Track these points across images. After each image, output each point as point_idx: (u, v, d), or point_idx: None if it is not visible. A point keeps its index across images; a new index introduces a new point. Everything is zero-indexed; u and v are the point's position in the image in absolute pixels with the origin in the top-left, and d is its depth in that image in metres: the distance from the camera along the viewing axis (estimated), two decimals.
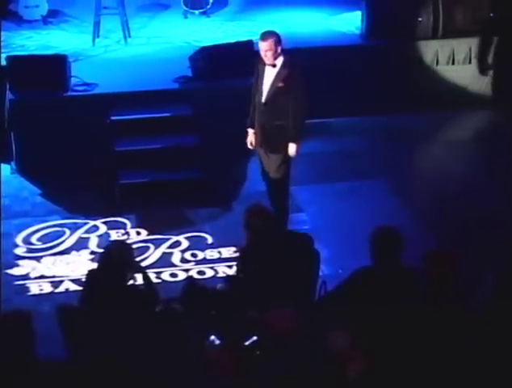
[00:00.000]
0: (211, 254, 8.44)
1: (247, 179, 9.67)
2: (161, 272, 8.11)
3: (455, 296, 5.67)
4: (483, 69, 11.73)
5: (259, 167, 8.58)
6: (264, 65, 8.13)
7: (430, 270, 5.79)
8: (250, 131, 8.40)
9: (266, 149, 8.34)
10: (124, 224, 8.93)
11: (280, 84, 8.08)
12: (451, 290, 5.68)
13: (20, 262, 8.31)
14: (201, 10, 12.82)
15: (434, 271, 5.76)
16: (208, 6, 12.83)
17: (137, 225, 8.90)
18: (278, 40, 8.05)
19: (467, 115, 11.53)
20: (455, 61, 11.69)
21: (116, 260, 6.17)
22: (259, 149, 8.43)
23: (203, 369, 5.22)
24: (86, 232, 8.80)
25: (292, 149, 8.17)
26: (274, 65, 8.09)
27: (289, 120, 8.11)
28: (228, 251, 8.42)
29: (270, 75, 8.12)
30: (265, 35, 8.09)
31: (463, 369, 5.06)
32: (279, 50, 8.05)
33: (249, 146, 8.47)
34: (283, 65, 8.08)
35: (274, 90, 8.11)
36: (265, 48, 8.03)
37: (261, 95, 8.20)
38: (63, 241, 8.65)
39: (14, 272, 8.16)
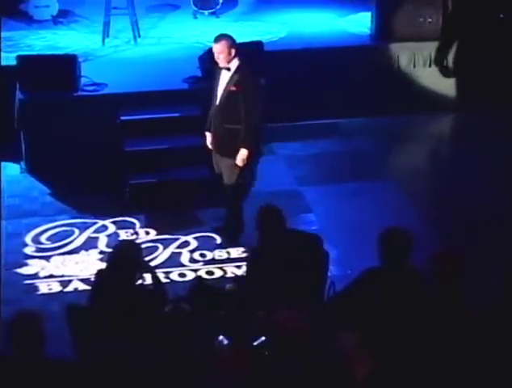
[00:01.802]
0: (219, 254, 8.44)
1: (256, 179, 9.65)
2: (169, 272, 8.13)
3: (462, 296, 5.66)
4: (446, 73, 11.56)
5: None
6: (221, 68, 8.14)
7: (436, 271, 5.77)
8: (208, 134, 8.43)
9: (218, 152, 8.34)
10: (133, 224, 8.94)
11: (232, 88, 8.07)
12: (458, 291, 5.67)
13: (29, 261, 8.33)
14: (211, 11, 12.80)
15: (440, 272, 5.75)
16: (218, 7, 12.81)
17: (146, 224, 8.91)
18: (231, 43, 8.05)
19: (473, 115, 11.49)
20: None
21: (125, 260, 6.18)
22: (214, 152, 8.43)
23: (211, 369, 5.23)
24: (95, 232, 8.81)
25: (241, 154, 8.12)
26: (228, 69, 8.10)
27: (241, 124, 8.09)
28: (237, 252, 8.44)
29: (224, 79, 8.13)
30: (218, 38, 8.11)
31: (471, 370, 5.05)
32: (233, 53, 8.03)
33: (210, 146, 8.46)
34: (237, 70, 8.07)
35: (227, 94, 8.11)
36: (217, 50, 8.05)
37: (216, 98, 8.21)
38: (72, 240, 8.67)
39: (24, 271, 8.18)
